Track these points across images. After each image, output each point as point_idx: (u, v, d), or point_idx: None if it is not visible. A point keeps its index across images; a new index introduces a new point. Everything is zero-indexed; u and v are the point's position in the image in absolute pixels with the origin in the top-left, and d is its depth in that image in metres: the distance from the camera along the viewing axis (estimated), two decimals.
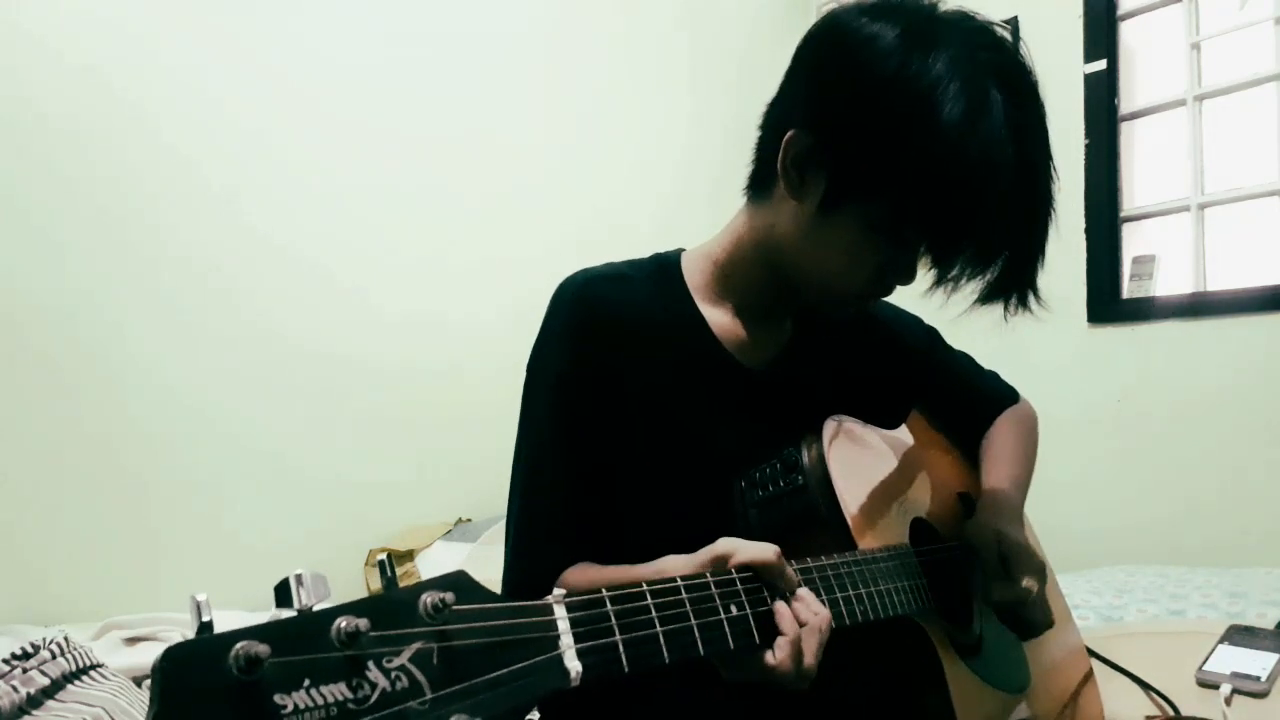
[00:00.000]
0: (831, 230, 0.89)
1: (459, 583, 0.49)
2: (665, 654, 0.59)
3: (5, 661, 1.25)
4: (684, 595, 0.63)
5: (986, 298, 0.89)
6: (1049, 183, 0.87)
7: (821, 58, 0.90)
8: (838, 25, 0.88)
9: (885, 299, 1.18)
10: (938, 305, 0.90)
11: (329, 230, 2.41)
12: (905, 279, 0.93)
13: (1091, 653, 1.22)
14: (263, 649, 0.39)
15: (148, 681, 0.47)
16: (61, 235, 2.01)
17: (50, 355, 1.99)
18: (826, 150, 0.87)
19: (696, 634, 0.62)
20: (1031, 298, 0.91)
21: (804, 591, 0.73)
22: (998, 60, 0.84)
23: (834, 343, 1.06)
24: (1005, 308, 0.91)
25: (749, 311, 1.00)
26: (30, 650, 1.28)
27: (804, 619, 0.71)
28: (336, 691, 0.41)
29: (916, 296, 0.94)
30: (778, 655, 0.68)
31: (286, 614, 0.43)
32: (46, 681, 1.26)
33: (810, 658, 0.69)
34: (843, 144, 0.86)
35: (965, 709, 0.86)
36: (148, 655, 1.70)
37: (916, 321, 1.21)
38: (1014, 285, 0.89)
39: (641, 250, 1.06)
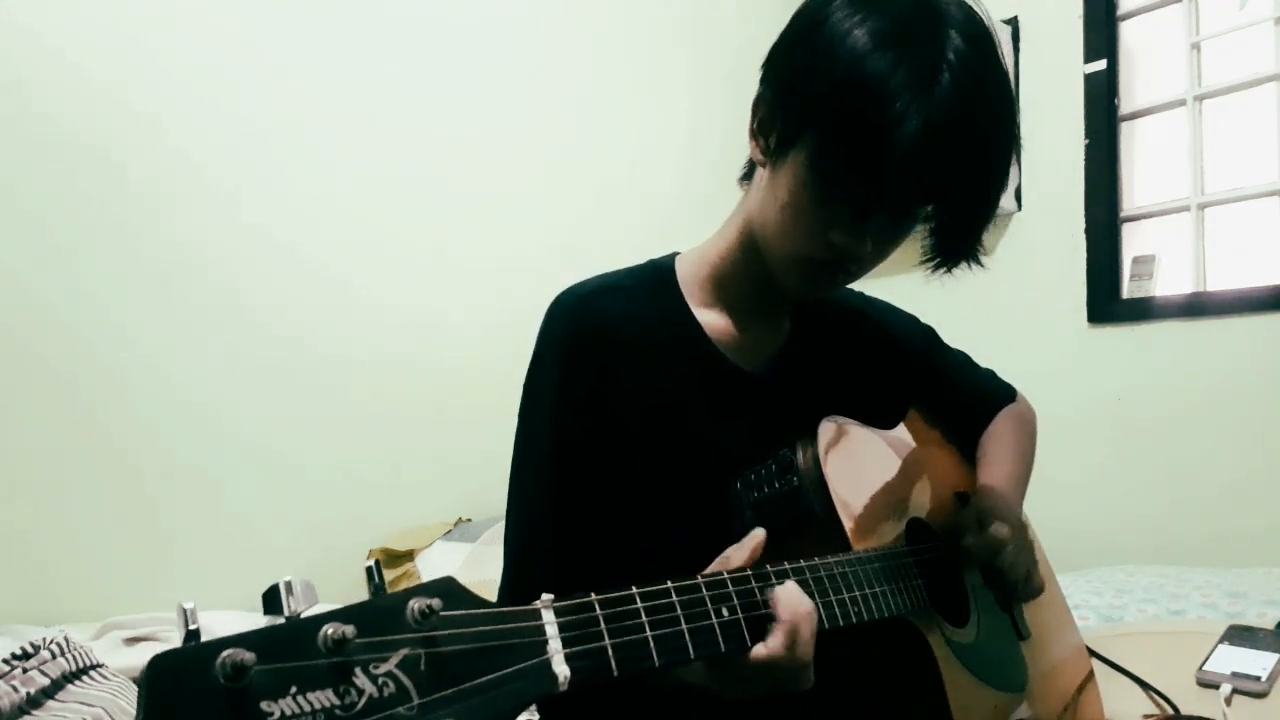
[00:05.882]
0: (780, 183, 0.87)
1: (447, 589, 0.49)
2: (655, 657, 0.59)
3: (5, 661, 1.25)
4: (675, 599, 0.62)
5: (930, 255, 0.88)
6: (998, 130, 0.83)
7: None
8: None
9: (882, 300, 1.19)
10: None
11: (330, 229, 2.41)
12: (850, 238, 0.85)
13: (1092, 653, 1.22)
14: (248, 656, 0.39)
15: None
16: (63, 234, 2.01)
17: (52, 354, 1.99)
18: (773, 98, 0.87)
19: (687, 637, 0.62)
20: (977, 254, 0.89)
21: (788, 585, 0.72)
22: (953, 14, 0.82)
23: (831, 342, 1.05)
24: (946, 265, 0.89)
25: (744, 313, 1.00)
26: (30, 650, 1.28)
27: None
28: (323, 698, 0.41)
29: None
30: (771, 644, 0.67)
31: (276, 620, 0.44)
32: (46, 681, 1.26)
33: (805, 646, 0.69)
34: (779, 85, 0.87)
35: (962, 709, 0.86)
36: (148, 655, 1.70)
37: (914, 320, 1.21)
38: (954, 238, 0.87)
39: (639, 250, 1.06)
